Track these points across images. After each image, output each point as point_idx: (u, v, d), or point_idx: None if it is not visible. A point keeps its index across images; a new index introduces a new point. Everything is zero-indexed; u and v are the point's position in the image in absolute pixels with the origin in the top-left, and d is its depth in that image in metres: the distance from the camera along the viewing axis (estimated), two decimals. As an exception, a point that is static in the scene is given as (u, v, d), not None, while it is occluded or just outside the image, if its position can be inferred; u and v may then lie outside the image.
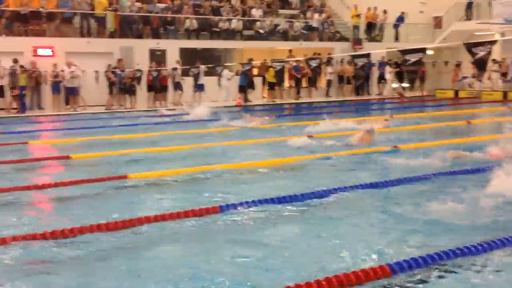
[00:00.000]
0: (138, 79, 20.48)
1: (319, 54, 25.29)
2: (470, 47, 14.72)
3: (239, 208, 6.16)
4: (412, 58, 16.13)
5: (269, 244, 5.10)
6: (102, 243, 5.19)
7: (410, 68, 17.01)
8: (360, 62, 22.45)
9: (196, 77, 21.52)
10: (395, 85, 25.38)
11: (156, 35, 23.02)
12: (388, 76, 25.41)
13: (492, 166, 7.68)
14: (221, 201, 6.56)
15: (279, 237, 5.29)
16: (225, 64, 23.30)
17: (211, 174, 8.22)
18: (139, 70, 20.53)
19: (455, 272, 4.34)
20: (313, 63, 24.05)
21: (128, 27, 22.46)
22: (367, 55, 23.10)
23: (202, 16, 24.47)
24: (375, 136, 10.84)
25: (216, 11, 25.13)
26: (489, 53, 14.82)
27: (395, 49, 21.50)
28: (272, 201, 6.39)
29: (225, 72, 22.10)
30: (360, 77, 25.36)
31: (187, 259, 4.77)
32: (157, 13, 23.39)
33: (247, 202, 6.29)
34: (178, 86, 21.48)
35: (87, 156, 9.84)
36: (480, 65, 16.10)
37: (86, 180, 7.65)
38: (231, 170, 8.54)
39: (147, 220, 5.72)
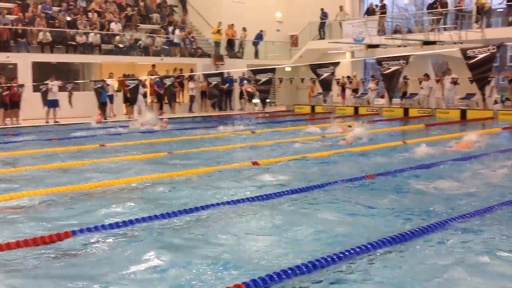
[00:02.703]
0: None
1: (181, 69, 25.34)
2: (315, 68, 15.44)
3: (94, 232, 5.85)
4: (263, 77, 16.66)
5: (123, 271, 4.85)
6: None
7: (260, 87, 17.54)
8: (214, 80, 22.49)
9: (45, 93, 20.33)
10: (255, 100, 26.05)
11: (5, 48, 21.53)
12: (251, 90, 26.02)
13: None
14: (77, 225, 6.19)
15: (135, 262, 5.07)
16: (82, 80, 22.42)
17: (70, 195, 7.74)
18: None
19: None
20: (167, 81, 23.81)
21: (-28, 39, 20.82)
22: (221, 74, 23.41)
23: (57, 29, 23.36)
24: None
25: (72, 24, 24.14)
26: (333, 73, 15.68)
27: (247, 69, 22.14)
28: (128, 223, 6.15)
29: (141, 88, 22.18)
30: (213, 95, 25.58)
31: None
32: (6, 24, 21.90)
33: (103, 226, 6.01)
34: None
35: None
36: (325, 85, 16.99)
37: None
38: (95, 189, 8.12)
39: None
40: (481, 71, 11.52)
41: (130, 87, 22.54)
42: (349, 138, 13.02)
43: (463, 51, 11.79)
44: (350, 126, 15.28)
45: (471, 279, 4.55)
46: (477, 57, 11.27)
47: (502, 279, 4.58)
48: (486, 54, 11.14)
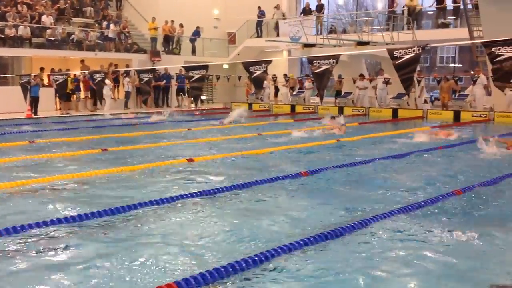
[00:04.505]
0: None
1: (116, 65, 24.83)
2: (247, 66, 15.34)
3: (20, 231, 5.64)
4: (196, 74, 16.45)
5: (45, 272, 4.70)
6: None
7: (193, 84, 17.34)
8: (146, 76, 22.18)
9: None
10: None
11: None
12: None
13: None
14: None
15: (73, 260, 4.93)
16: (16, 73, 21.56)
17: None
18: None
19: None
20: (97, 77, 23.05)
21: None
22: (153, 70, 23.03)
23: (-15, 21, 22.40)
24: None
25: (0, 16, 23.17)
26: (265, 71, 15.66)
27: (179, 66, 22.03)
28: (56, 221, 5.97)
29: (107, 81, 21.98)
30: (145, 92, 24.90)
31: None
32: None
33: (29, 225, 5.79)
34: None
35: None
36: (257, 83, 16.98)
37: None
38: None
39: None
40: (407, 71, 11.84)
41: (58, 82, 21.84)
42: (339, 129, 14.44)
43: (390, 52, 12.11)
44: (333, 118, 16.82)
45: (401, 273, 4.69)
46: (403, 57, 11.59)
47: (429, 272, 4.74)
48: (411, 55, 11.47)
